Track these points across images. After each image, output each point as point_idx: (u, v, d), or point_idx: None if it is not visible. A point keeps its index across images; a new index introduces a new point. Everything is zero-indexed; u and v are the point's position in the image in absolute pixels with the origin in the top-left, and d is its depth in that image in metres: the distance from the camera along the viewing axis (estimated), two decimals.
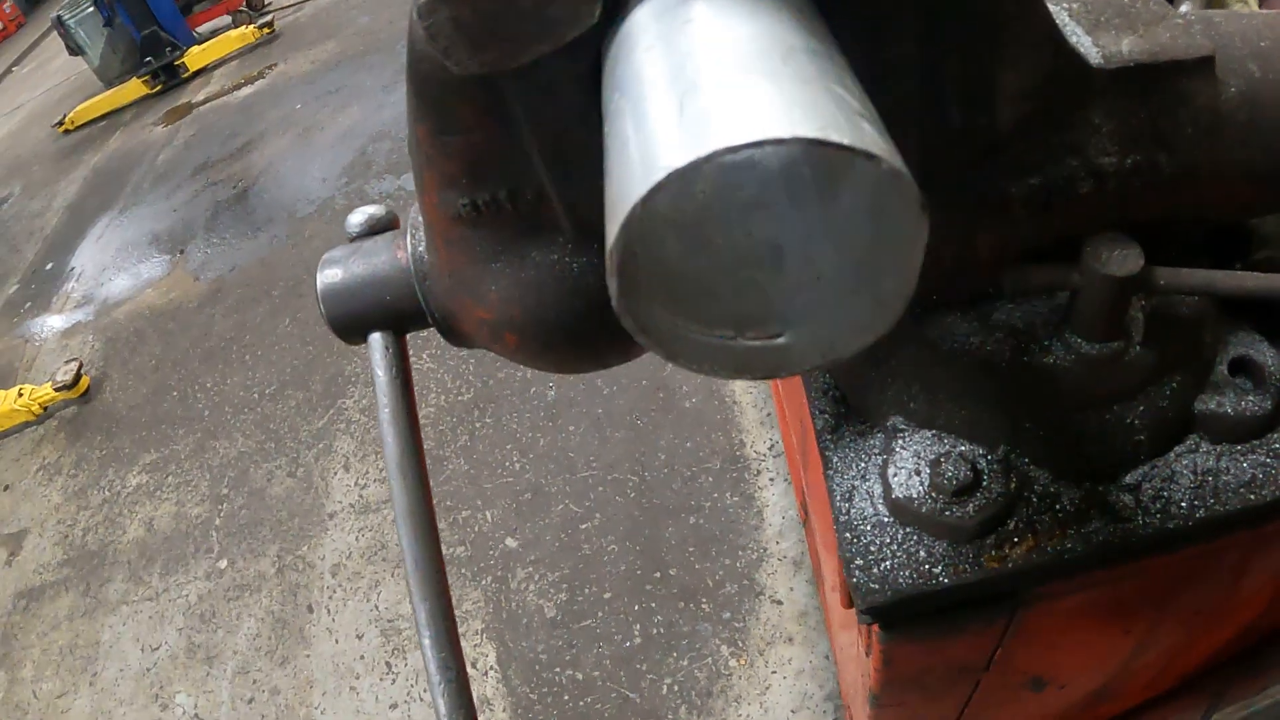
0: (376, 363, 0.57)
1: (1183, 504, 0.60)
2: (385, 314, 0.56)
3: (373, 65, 5.03)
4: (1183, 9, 0.76)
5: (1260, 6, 0.81)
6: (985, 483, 0.59)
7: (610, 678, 2.16)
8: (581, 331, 0.49)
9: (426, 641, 0.54)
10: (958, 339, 0.54)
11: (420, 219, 0.53)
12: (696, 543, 2.31)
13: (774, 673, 2.05)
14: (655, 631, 2.21)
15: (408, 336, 0.59)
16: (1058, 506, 0.60)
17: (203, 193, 4.51)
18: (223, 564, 2.69)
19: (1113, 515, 0.60)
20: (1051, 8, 0.49)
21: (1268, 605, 0.96)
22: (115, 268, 4.23)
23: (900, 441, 0.62)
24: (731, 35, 0.28)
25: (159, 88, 5.69)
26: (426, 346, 3.09)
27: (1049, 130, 0.46)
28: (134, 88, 5.66)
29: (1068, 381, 0.53)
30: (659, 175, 0.24)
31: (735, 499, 2.32)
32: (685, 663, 2.14)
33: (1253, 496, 0.60)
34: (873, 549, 0.61)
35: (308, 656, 2.39)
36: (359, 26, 5.54)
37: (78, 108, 5.71)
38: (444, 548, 2.36)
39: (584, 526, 2.44)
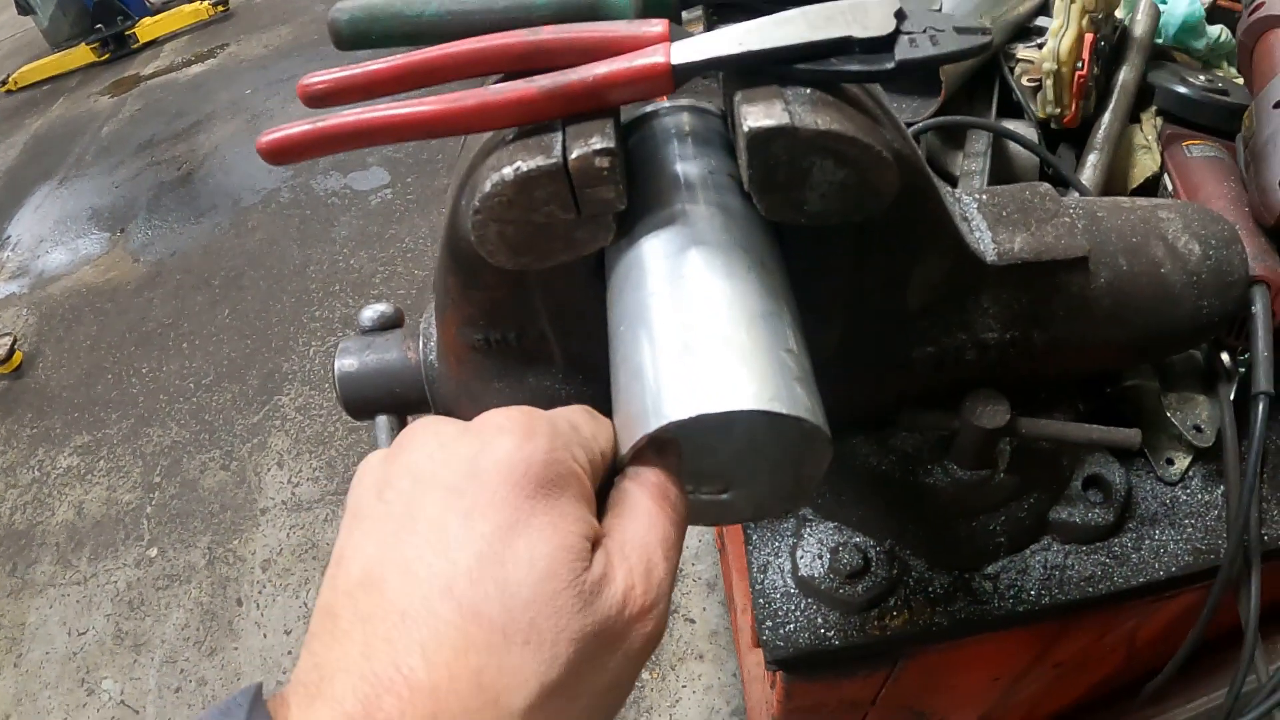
0: (381, 441, 0.68)
1: (1032, 592, 0.74)
2: (393, 401, 0.67)
3: (326, 57, 5.02)
4: (1084, 175, 0.91)
5: (1160, 144, 0.95)
6: (873, 568, 0.73)
7: None
8: None
9: None
10: (860, 457, 0.68)
11: (432, 331, 0.64)
12: None
13: (684, 687, 2.18)
14: None
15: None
16: (930, 589, 0.74)
17: (146, 171, 4.47)
18: (153, 552, 2.73)
19: (974, 598, 0.74)
20: (965, 198, 0.62)
21: (1123, 662, 1.12)
22: (53, 241, 4.17)
23: (808, 529, 0.76)
24: (712, 298, 0.40)
25: (107, 56, 5.58)
26: None
27: (947, 310, 0.59)
28: (82, 53, 5.55)
29: (944, 497, 0.67)
30: (662, 421, 0.37)
31: None
32: None
33: (1091, 589, 0.74)
34: (780, 613, 0.75)
35: (236, 649, 2.45)
36: (315, 14, 5.51)
37: (22, 68, 5.57)
38: None
39: None
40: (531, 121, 0.45)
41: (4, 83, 5.58)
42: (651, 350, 0.40)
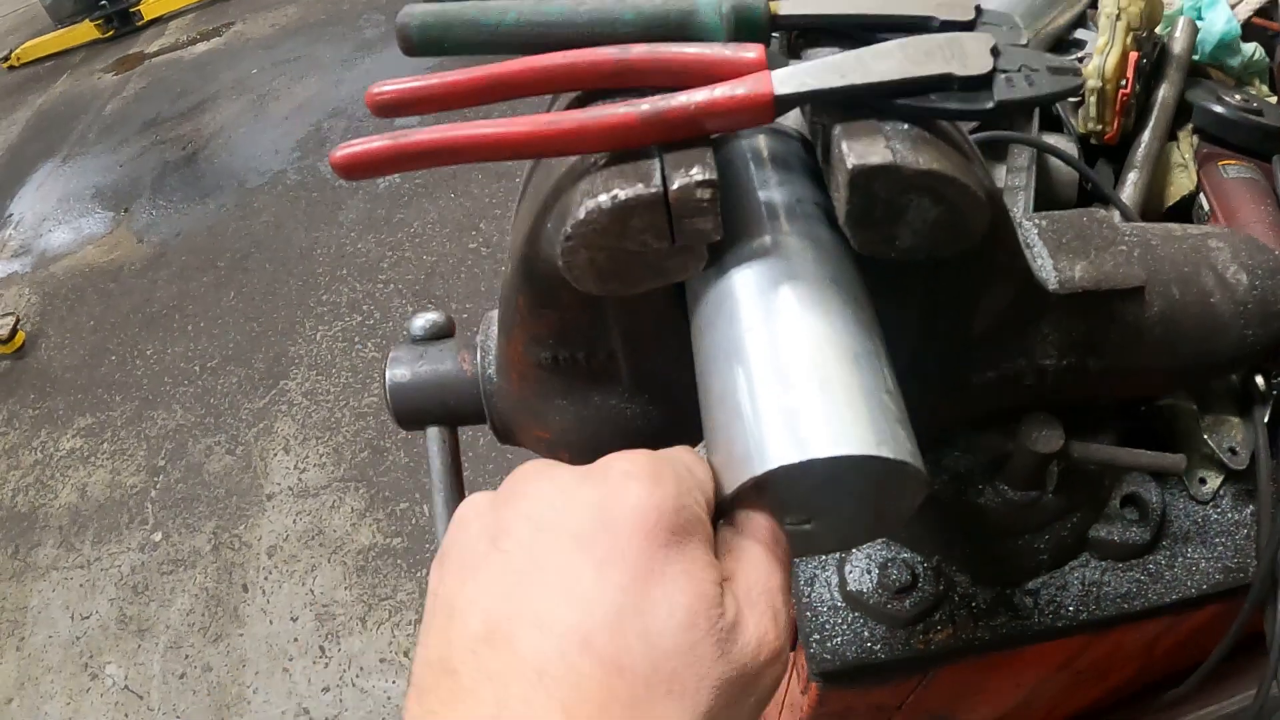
0: (434, 453, 0.68)
1: (1071, 608, 0.76)
2: (445, 413, 0.67)
3: (333, 37, 5.00)
4: (1124, 193, 0.92)
5: (1197, 162, 0.96)
6: (920, 584, 0.74)
7: None
8: None
9: None
10: None
11: (490, 345, 0.65)
12: None
13: None
14: None
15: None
16: (974, 604, 0.75)
17: (150, 150, 4.44)
18: (157, 536, 2.73)
19: (1015, 613, 0.75)
20: (1026, 224, 0.63)
21: (1141, 669, 1.14)
22: (55, 219, 4.15)
23: None
24: (812, 336, 0.41)
25: (111, 33, 5.54)
26: (372, 336, 3.15)
27: (1008, 337, 0.60)
28: (85, 30, 5.50)
29: (993, 517, 0.68)
30: (769, 466, 0.37)
31: None
32: None
33: (1126, 605, 0.76)
34: (827, 627, 0.76)
35: (241, 636, 2.45)
36: None
37: (25, 44, 5.52)
38: (380, 538, 2.44)
39: None
40: (627, 146, 0.45)
41: (6, 59, 5.54)
42: (750, 389, 0.40)
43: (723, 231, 0.44)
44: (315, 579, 2.54)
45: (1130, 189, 0.92)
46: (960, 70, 0.43)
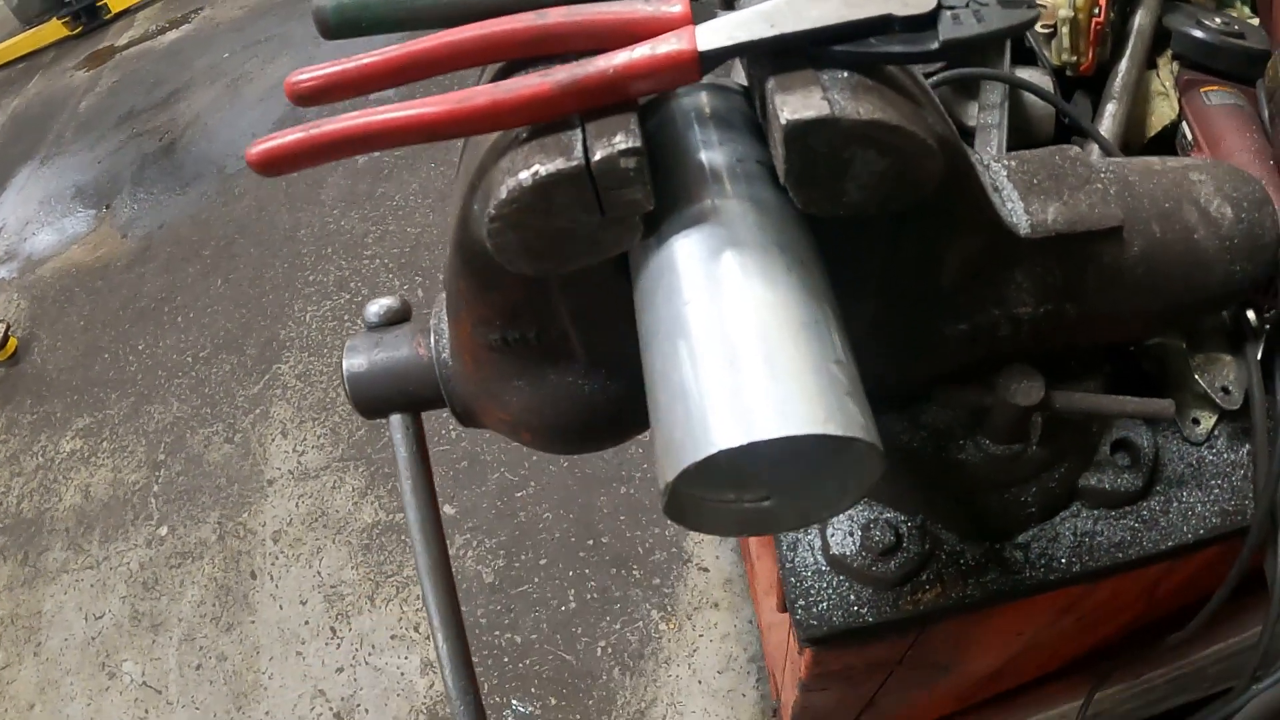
0: (398, 441, 0.66)
1: (1063, 560, 0.74)
2: (407, 400, 0.65)
3: (304, 14, 4.86)
4: (1103, 125, 0.88)
5: (1178, 90, 0.92)
6: (905, 544, 0.72)
7: (547, 641, 2.29)
8: (588, 435, 0.60)
9: (447, 672, 0.65)
10: (890, 435, 0.66)
11: (443, 328, 0.62)
12: (627, 511, 2.43)
13: (701, 636, 2.20)
14: (589, 596, 2.33)
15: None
16: (962, 562, 0.73)
17: (128, 144, 4.39)
18: (163, 531, 2.73)
19: (1006, 568, 0.73)
20: (994, 166, 0.60)
21: (1143, 611, 1.13)
22: (39, 222, 4.11)
23: None
24: (754, 308, 0.38)
25: (80, 29, 5.44)
26: (361, 313, 3.12)
27: (980, 286, 0.57)
28: (54, 28, 5.41)
29: (976, 472, 0.66)
30: (711, 450, 0.35)
31: None
32: (618, 626, 2.27)
33: (1120, 555, 0.74)
34: (812, 592, 0.74)
35: (253, 623, 2.46)
36: None
37: None
38: (383, 515, 2.43)
39: (519, 494, 2.53)
40: (547, 119, 0.42)
41: None
42: (693, 368, 0.38)
43: (654, 200, 0.41)
44: (321, 561, 2.54)
45: (1109, 121, 0.88)
46: (901, 10, 0.40)
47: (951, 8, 0.40)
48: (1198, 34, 0.92)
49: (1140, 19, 0.93)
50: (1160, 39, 0.96)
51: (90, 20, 5.47)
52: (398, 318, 0.68)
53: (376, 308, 0.68)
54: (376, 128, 0.43)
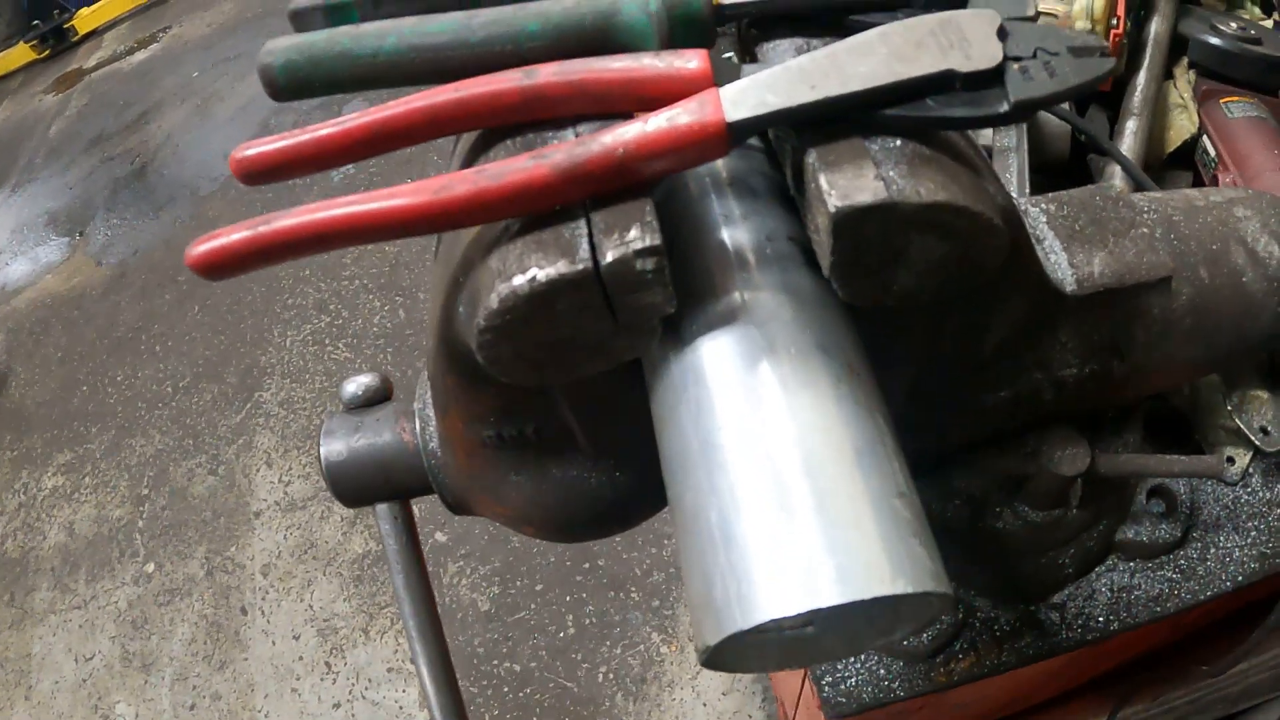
0: (386, 532, 0.60)
1: (1100, 619, 0.70)
2: (391, 489, 0.60)
3: (273, 30, 4.72)
4: (1123, 143, 0.83)
5: (1197, 101, 0.87)
6: None
7: (547, 668, 2.23)
8: (594, 527, 0.54)
9: None
10: (922, 504, 0.61)
11: (430, 414, 0.56)
12: (623, 534, 2.37)
13: None
14: (588, 621, 2.27)
15: None
16: (996, 628, 0.69)
17: (99, 168, 4.29)
18: (150, 568, 2.66)
19: (1041, 631, 0.69)
20: (1033, 210, 0.54)
21: (1166, 637, 1.09)
22: (12, 252, 4.01)
23: None
24: (802, 433, 0.32)
25: (47, 53, 5.33)
26: (342, 336, 3.06)
27: (1022, 350, 0.52)
28: (21, 52, 5.30)
29: (1015, 541, 0.61)
30: (763, 618, 0.29)
31: None
32: (619, 651, 2.21)
33: (1159, 609, 0.70)
34: (839, 668, 0.69)
35: (246, 660, 2.39)
36: None
37: None
38: (373, 545, 2.36)
39: None
40: (543, 210, 0.36)
41: None
42: (735, 511, 0.32)
43: (675, 302, 0.35)
44: (313, 593, 2.48)
45: (1130, 139, 0.83)
46: (963, 65, 0.33)
47: (1018, 59, 0.34)
48: (1214, 41, 0.88)
49: (1155, 27, 0.88)
50: (1176, 46, 0.91)
51: (58, 43, 5.37)
52: (377, 397, 0.62)
53: (354, 386, 0.62)
54: (338, 224, 0.37)
